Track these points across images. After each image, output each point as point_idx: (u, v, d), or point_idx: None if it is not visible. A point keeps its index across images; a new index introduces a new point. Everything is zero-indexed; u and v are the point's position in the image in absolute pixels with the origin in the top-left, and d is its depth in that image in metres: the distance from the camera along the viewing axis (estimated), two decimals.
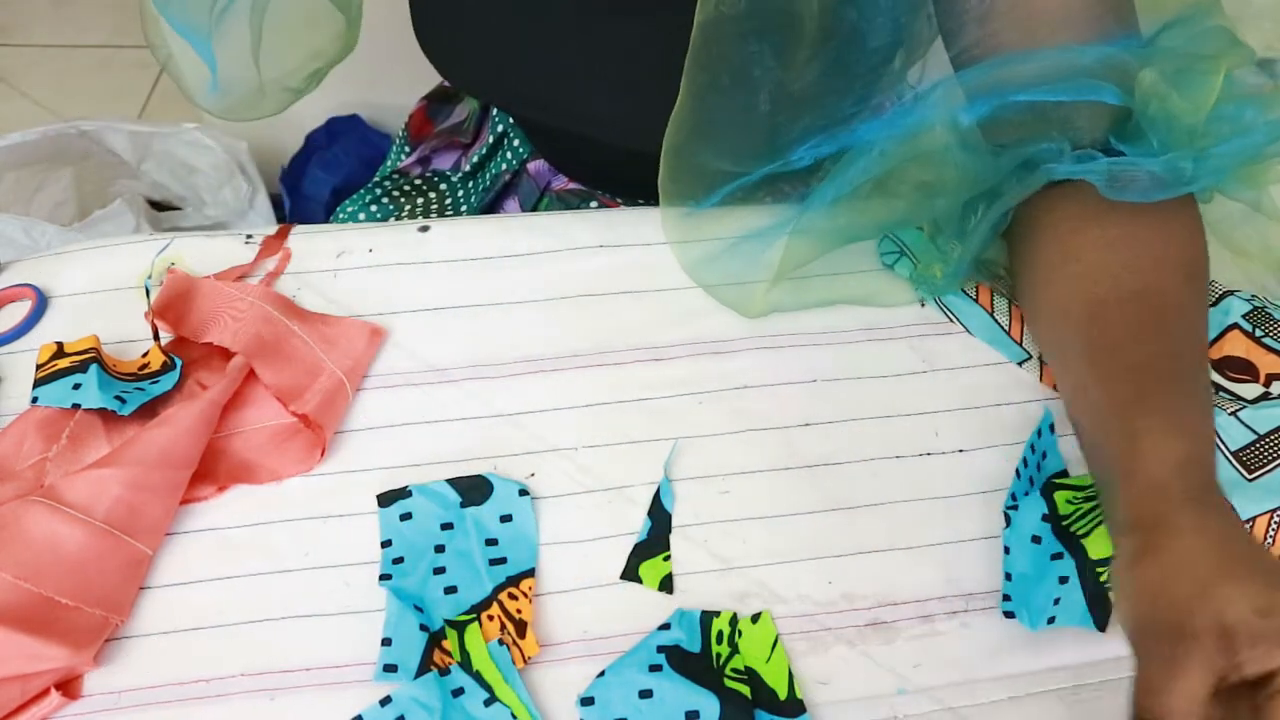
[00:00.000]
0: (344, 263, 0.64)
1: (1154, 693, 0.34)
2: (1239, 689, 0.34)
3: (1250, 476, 0.52)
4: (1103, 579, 0.50)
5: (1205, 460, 0.42)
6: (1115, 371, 0.48)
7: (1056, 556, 0.51)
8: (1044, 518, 0.52)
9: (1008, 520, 0.52)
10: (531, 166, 0.76)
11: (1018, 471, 0.54)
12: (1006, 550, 0.52)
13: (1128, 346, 0.48)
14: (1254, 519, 0.51)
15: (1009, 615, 0.50)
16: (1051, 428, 0.56)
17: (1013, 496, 0.53)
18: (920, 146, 0.52)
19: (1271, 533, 0.51)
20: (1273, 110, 0.50)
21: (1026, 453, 0.55)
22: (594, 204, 0.74)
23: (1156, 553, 0.38)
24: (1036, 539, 0.52)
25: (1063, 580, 0.50)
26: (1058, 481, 0.54)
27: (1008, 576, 0.51)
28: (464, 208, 0.80)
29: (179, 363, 0.57)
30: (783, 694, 0.47)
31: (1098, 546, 0.51)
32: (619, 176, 0.73)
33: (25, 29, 1.88)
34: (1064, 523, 0.52)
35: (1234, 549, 0.36)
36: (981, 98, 0.51)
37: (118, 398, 0.54)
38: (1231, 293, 0.60)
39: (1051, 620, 0.49)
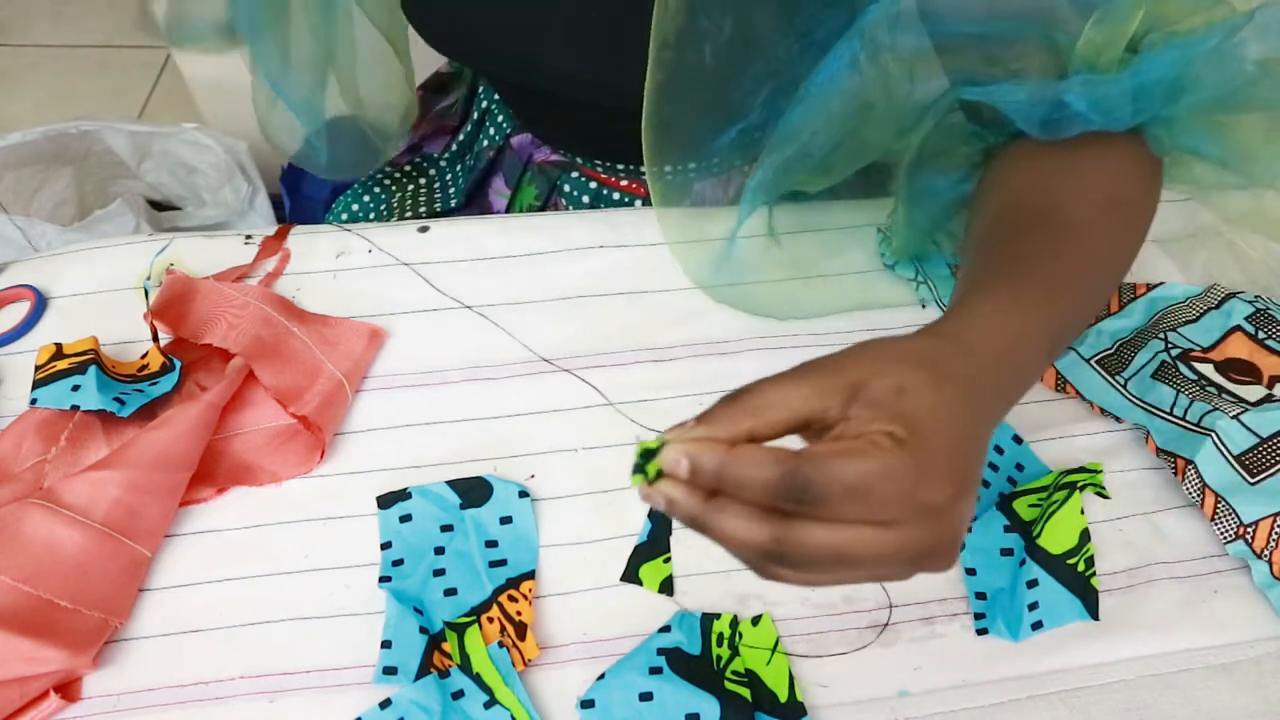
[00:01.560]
0: (344, 263, 0.64)
1: (768, 382, 0.34)
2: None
3: (1253, 480, 0.52)
4: (1079, 568, 0.50)
5: (1013, 336, 0.41)
6: (994, 257, 0.46)
7: (1022, 563, 0.51)
8: (1007, 529, 0.52)
9: (961, 545, 0.52)
10: (515, 141, 0.76)
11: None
12: (972, 572, 0.51)
13: (1013, 240, 0.47)
14: (1256, 523, 0.51)
15: (982, 633, 0.50)
16: (1016, 439, 0.56)
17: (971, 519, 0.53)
18: (855, 103, 0.51)
19: (1274, 537, 0.50)
20: (1204, 45, 0.48)
21: (985, 474, 0.55)
22: (575, 174, 0.74)
23: (907, 337, 0.38)
24: (1008, 551, 0.52)
25: (1032, 584, 0.50)
26: (1017, 490, 0.54)
27: (979, 596, 0.51)
28: (452, 189, 0.80)
29: (178, 364, 0.57)
30: (783, 696, 0.47)
31: (1054, 541, 0.51)
32: (597, 139, 0.73)
33: (25, 29, 1.88)
34: (1033, 530, 0.52)
35: (932, 377, 0.35)
36: (911, 28, 0.49)
37: (116, 399, 0.54)
38: (1234, 295, 0.60)
39: (1038, 626, 0.49)
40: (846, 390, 0.33)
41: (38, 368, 0.56)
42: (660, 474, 0.33)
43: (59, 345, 0.57)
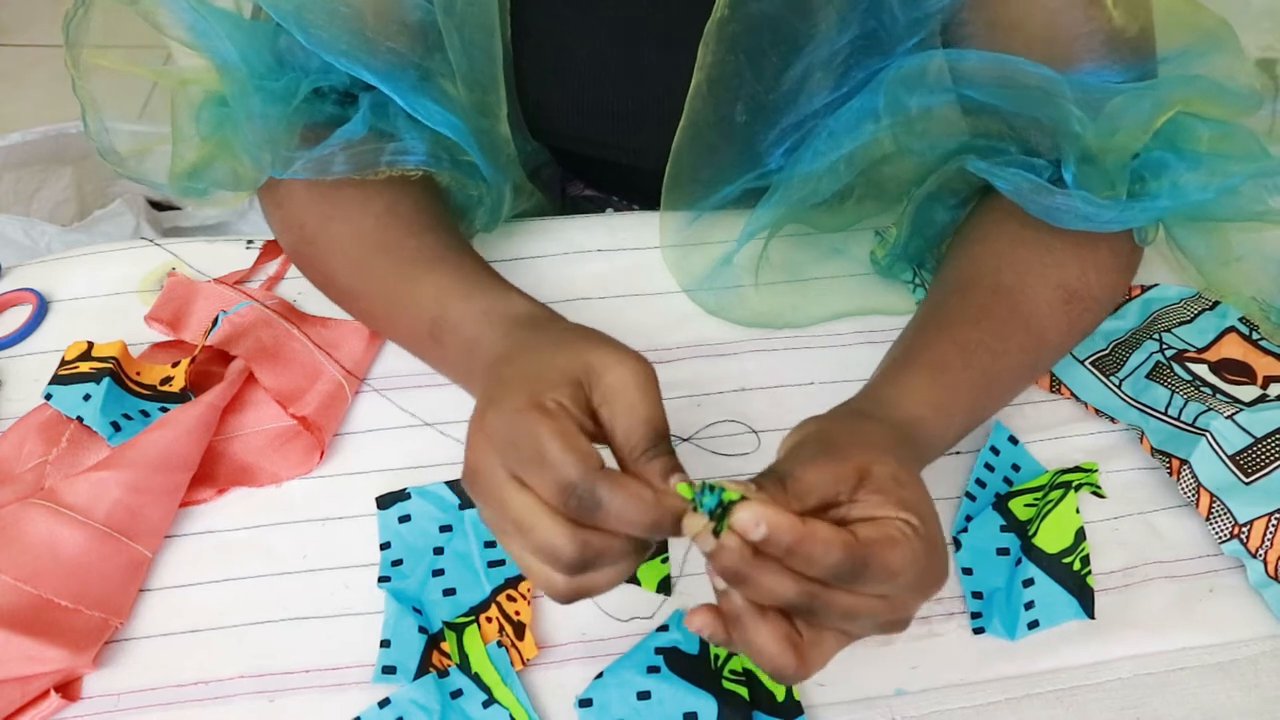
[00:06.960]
0: None
1: (800, 468, 0.39)
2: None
3: (1248, 480, 0.52)
4: (1074, 566, 0.50)
5: (935, 435, 0.47)
6: (938, 336, 0.50)
7: (1018, 563, 0.51)
8: (1003, 529, 0.52)
9: (958, 544, 0.52)
10: (546, 173, 0.76)
11: (971, 495, 0.54)
12: (968, 572, 0.52)
13: (964, 324, 0.51)
14: (1251, 522, 0.51)
15: (979, 631, 0.50)
16: (1012, 439, 0.56)
17: (966, 519, 0.53)
18: (869, 157, 0.54)
19: (1269, 535, 0.51)
20: (1213, 174, 0.51)
21: (981, 474, 0.55)
22: (609, 210, 0.74)
23: (867, 419, 0.44)
24: (1004, 551, 0.52)
25: (1028, 584, 0.50)
26: (1013, 490, 0.54)
27: (976, 595, 0.51)
28: None
29: (191, 398, 0.56)
30: (780, 695, 0.47)
31: (1050, 540, 0.51)
32: (642, 188, 0.73)
33: (25, 29, 1.88)
34: (1029, 529, 0.52)
35: (904, 464, 0.41)
36: (935, 89, 0.52)
37: (114, 423, 0.54)
38: None
39: (1034, 625, 0.49)
40: (855, 476, 0.39)
41: (63, 362, 0.56)
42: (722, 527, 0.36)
43: (90, 345, 0.57)
